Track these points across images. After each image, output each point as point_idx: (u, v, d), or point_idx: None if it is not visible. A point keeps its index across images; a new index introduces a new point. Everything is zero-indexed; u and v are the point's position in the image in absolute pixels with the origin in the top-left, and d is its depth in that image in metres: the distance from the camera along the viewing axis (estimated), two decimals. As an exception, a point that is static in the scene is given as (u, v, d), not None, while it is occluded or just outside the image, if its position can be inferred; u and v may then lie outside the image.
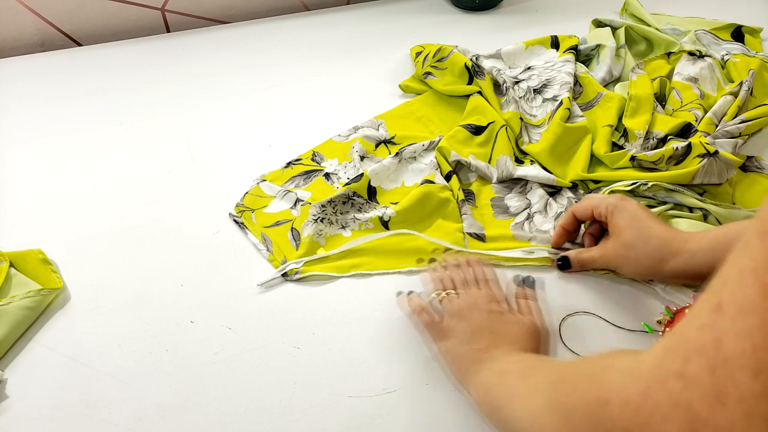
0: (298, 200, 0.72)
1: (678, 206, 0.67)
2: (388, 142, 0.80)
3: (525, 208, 0.70)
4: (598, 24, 0.97)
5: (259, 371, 0.56)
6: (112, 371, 0.56)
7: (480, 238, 0.67)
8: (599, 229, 0.63)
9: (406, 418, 0.53)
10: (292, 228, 0.69)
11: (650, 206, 0.67)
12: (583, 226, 0.65)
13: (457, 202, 0.70)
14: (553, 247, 0.64)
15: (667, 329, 0.54)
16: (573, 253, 0.62)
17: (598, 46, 0.90)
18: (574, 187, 0.72)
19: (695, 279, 0.56)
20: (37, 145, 0.83)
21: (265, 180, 0.75)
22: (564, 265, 0.62)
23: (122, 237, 0.69)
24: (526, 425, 0.37)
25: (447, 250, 0.65)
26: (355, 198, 0.71)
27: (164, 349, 0.58)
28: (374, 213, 0.69)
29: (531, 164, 0.75)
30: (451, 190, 0.71)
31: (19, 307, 0.58)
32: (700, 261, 0.53)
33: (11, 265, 0.63)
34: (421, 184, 0.71)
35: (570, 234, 0.64)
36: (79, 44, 1.07)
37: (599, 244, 0.61)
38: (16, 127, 0.87)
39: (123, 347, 0.58)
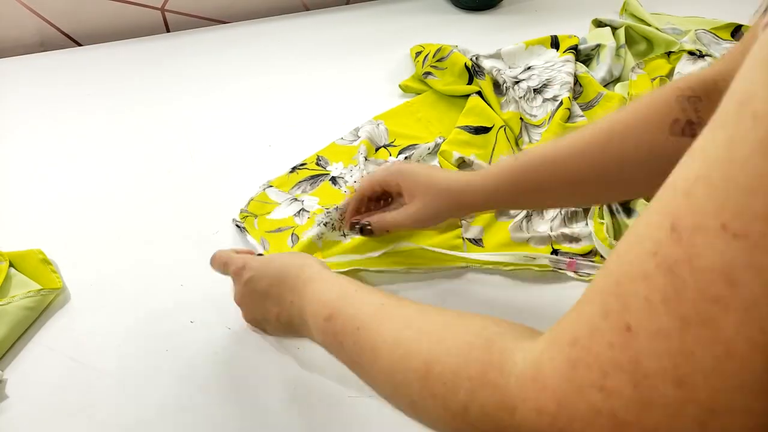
0: (302, 210, 0.71)
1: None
2: (388, 146, 0.80)
3: None
4: (598, 24, 0.97)
5: (259, 371, 0.56)
6: (112, 371, 0.56)
7: (478, 243, 0.67)
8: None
9: (406, 418, 0.53)
10: (292, 234, 0.68)
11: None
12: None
13: None
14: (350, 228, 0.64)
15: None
16: (375, 218, 0.61)
17: (598, 46, 0.90)
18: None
19: (494, 210, 0.63)
20: (36, 145, 0.83)
21: (271, 186, 0.74)
22: (366, 231, 0.61)
23: (122, 237, 0.69)
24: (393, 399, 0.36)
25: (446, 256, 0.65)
26: None
27: (164, 349, 0.58)
28: None
29: (531, 164, 0.75)
30: None
31: (19, 307, 0.58)
32: (501, 196, 0.55)
33: (11, 265, 0.63)
34: None
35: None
36: (79, 44, 1.07)
37: (401, 208, 0.60)
38: (16, 127, 0.87)
39: (123, 347, 0.58)
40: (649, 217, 0.24)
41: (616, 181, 0.50)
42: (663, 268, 0.22)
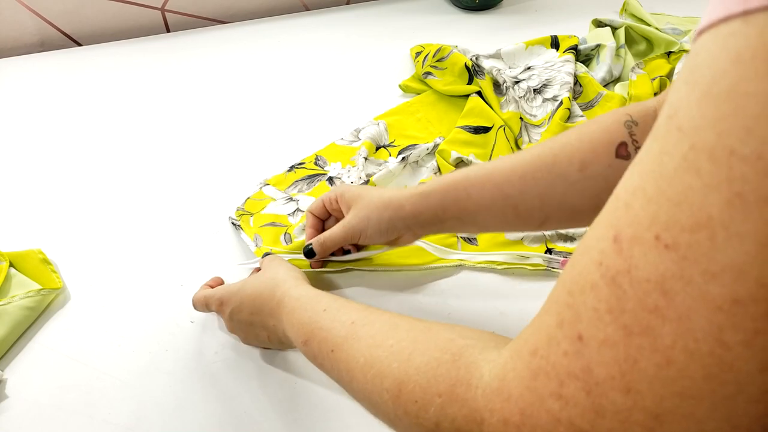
0: (297, 210, 0.71)
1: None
2: (388, 146, 0.80)
3: None
4: (598, 24, 0.97)
5: (259, 371, 0.56)
6: (112, 371, 0.56)
7: (473, 241, 0.67)
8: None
9: (406, 418, 0.53)
10: (285, 233, 0.68)
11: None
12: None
13: None
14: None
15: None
16: (313, 240, 0.60)
17: (598, 46, 0.90)
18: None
19: (434, 224, 0.55)
20: (37, 145, 0.83)
21: (268, 184, 0.74)
22: (309, 253, 0.61)
23: (122, 237, 0.69)
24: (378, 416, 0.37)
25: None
26: None
27: (164, 349, 0.58)
28: None
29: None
30: None
31: (19, 307, 0.58)
32: (432, 201, 0.54)
33: (11, 265, 0.63)
34: None
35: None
36: (79, 44, 1.07)
37: (338, 224, 0.60)
38: (16, 127, 0.87)
39: (123, 347, 0.58)
40: (596, 227, 0.24)
41: (556, 201, 0.49)
42: (607, 278, 0.22)
